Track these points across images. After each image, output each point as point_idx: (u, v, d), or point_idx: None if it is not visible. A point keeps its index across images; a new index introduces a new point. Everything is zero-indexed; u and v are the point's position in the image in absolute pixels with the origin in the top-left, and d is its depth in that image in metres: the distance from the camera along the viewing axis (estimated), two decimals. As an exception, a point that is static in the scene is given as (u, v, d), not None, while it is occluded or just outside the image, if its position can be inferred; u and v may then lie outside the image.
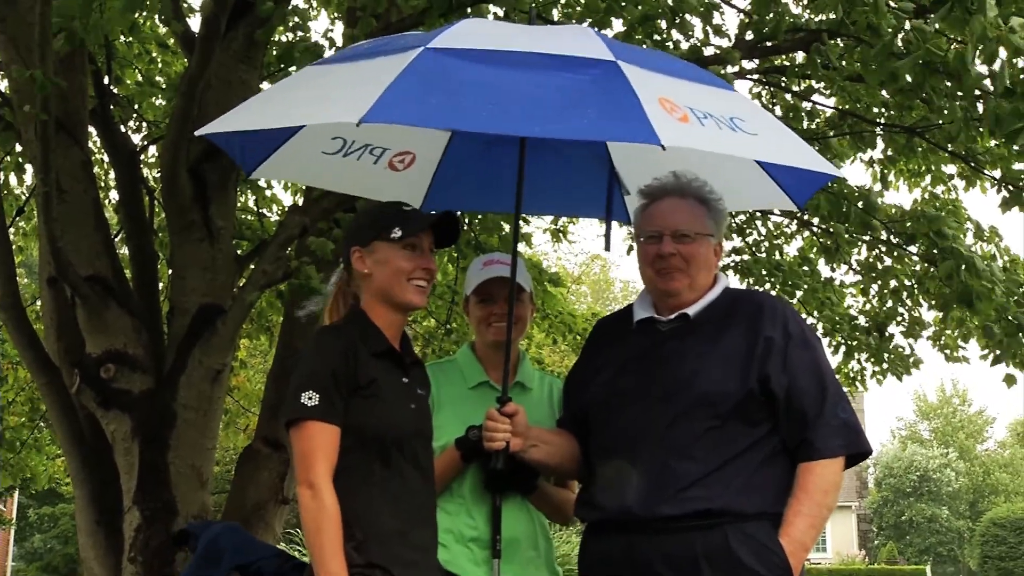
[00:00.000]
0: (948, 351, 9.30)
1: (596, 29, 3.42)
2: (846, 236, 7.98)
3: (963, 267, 7.03)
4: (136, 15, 6.24)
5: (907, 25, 5.05)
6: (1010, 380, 8.01)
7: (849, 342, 9.04)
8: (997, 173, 7.67)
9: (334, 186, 4.38)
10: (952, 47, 4.88)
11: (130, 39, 8.29)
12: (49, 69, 5.17)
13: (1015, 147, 6.62)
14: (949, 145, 7.11)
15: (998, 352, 7.82)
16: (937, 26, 4.74)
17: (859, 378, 9.46)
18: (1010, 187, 7.56)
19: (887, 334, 9.04)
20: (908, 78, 5.08)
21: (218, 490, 7.97)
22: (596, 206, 3.94)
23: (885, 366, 9.26)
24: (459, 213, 7.98)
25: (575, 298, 23.94)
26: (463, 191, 4.02)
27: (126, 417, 5.93)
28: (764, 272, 8.72)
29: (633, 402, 3.34)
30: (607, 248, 3.99)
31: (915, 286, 8.51)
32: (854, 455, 3.30)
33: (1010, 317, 7.32)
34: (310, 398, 3.02)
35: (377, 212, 3.34)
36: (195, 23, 6.74)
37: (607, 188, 3.84)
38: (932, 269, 7.85)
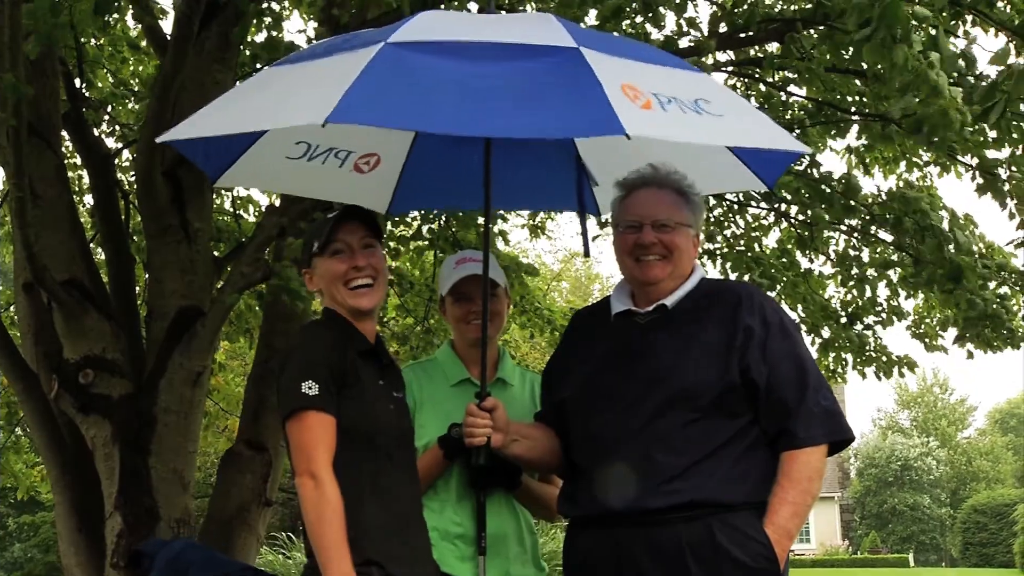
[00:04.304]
0: (927, 340, 9.34)
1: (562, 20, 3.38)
2: (824, 222, 8.00)
3: (948, 244, 7.06)
4: (105, 16, 6.19)
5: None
6: (969, 354, 8.13)
7: (829, 336, 9.07)
8: (970, 159, 7.70)
9: (301, 191, 4.34)
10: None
11: (101, 41, 8.25)
12: (20, 73, 5.14)
13: (991, 134, 6.68)
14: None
15: (966, 335, 7.88)
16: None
17: (838, 371, 9.48)
18: (986, 173, 7.60)
19: (864, 323, 9.06)
20: (877, 65, 5.08)
21: (200, 494, 7.95)
22: (567, 199, 3.93)
23: (872, 366, 9.29)
24: (437, 211, 8.06)
25: (557, 295, 23.92)
26: (430, 190, 4.00)
27: (106, 422, 5.89)
28: (744, 266, 8.73)
29: (613, 397, 3.33)
30: (586, 254, 3.96)
31: (891, 274, 8.53)
32: (836, 442, 3.30)
33: (993, 299, 7.37)
34: (310, 388, 2.99)
35: (308, 232, 3.37)
36: (168, 25, 6.71)
37: (576, 182, 3.83)
38: (905, 256, 7.89)
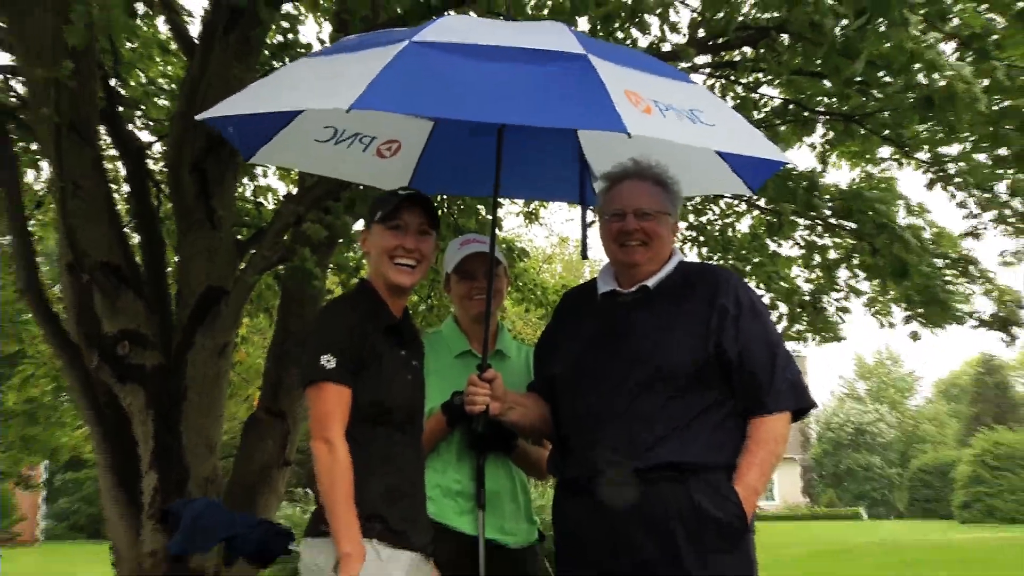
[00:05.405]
0: (881, 317, 9.36)
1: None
2: (791, 217, 7.99)
3: (895, 242, 7.07)
4: (138, 20, 6.15)
5: (844, 23, 5.02)
6: (915, 336, 8.16)
7: (792, 311, 9.06)
8: (925, 155, 7.70)
9: (325, 171, 4.31)
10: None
11: (134, 44, 8.20)
12: (63, 72, 5.15)
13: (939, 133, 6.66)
14: (884, 131, 7.09)
15: (910, 314, 7.90)
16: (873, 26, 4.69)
17: (802, 338, 9.49)
18: (936, 168, 7.61)
19: (819, 307, 9.07)
20: (853, 71, 5.05)
21: (225, 455, 7.91)
22: (569, 191, 3.91)
23: (821, 335, 9.30)
24: (440, 199, 8.03)
25: (549, 275, 23.97)
26: (445, 177, 3.97)
27: (141, 390, 5.92)
28: (719, 249, 8.73)
29: (599, 371, 3.31)
30: (584, 256, 3.95)
31: (851, 259, 8.53)
32: (801, 409, 3.30)
33: (937, 286, 7.38)
34: (328, 361, 2.99)
35: (376, 199, 3.32)
36: (195, 29, 6.67)
37: (579, 177, 3.80)
38: (864, 245, 7.87)
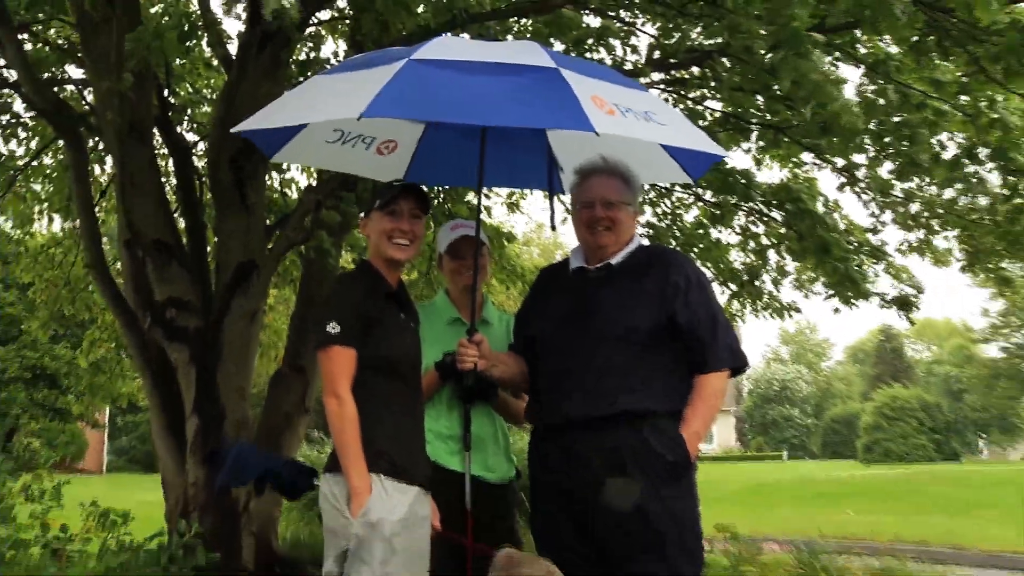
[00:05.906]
0: (805, 293, 9.37)
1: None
2: (731, 206, 7.97)
3: (818, 225, 7.09)
4: (188, 43, 6.11)
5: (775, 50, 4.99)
6: (836, 311, 8.24)
7: (733, 290, 9.06)
8: (840, 161, 7.70)
9: (334, 167, 4.27)
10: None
11: (183, 61, 8.13)
12: (124, 84, 5.12)
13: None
14: (804, 140, 7.08)
15: (831, 292, 7.93)
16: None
17: (740, 315, 9.49)
18: (847, 172, 7.65)
19: (756, 283, 9.06)
20: (778, 89, 5.03)
21: (256, 404, 7.89)
22: (540, 181, 3.88)
23: (768, 311, 9.30)
24: (436, 189, 7.97)
25: (527, 258, 23.93)
26: (435, 170, 3.92)
27: (185, 348, 5.92)
28: (670, 236, 8.70)
29: (569, 335, 3.28)
30: (553, 228, 3.94)
31: (780, 244, 8.53)
32: (737, 368, 3.29)
33: (851, 267, 7.40)
34: (334, 328, 2.95)
35: (375, 190, 3.28)
36: (232, 48, 6.61)
37: (547, 169, 3.77)
38: (792, 232, 7.86)
